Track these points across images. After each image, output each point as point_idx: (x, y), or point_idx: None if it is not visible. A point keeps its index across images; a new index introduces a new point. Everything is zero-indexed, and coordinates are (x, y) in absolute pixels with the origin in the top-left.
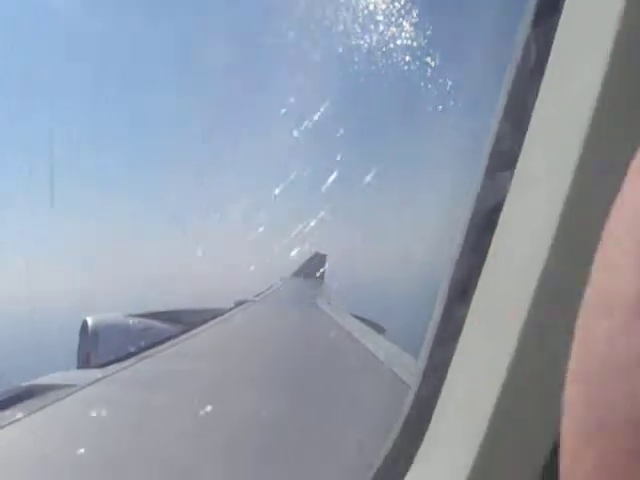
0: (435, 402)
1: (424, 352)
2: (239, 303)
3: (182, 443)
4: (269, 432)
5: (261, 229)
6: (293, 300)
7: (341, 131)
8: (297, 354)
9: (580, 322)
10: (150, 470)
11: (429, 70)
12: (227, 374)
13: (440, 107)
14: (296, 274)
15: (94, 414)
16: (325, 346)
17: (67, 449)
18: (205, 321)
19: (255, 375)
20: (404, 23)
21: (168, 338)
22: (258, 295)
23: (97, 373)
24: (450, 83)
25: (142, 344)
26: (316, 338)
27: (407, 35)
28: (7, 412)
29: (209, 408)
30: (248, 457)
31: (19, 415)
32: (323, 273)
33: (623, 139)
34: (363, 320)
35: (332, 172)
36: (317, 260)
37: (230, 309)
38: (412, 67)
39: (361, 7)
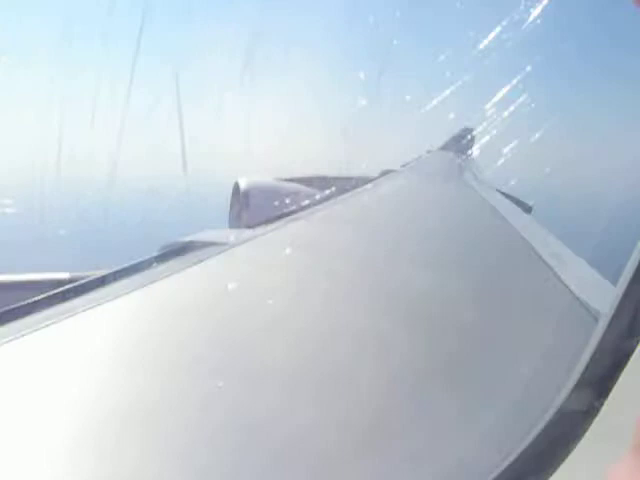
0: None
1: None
2: (385, 172)
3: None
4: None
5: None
6: (438, 172)
7: None
8: (439, 225)
9: None
10: (307, 323)
11: None
12: (370, 240)
13: None
14: (443, 148)
15: (245, 270)
16: (468, 219)
17: (216, 299)
18: (352, 188)
19: (398, 242)
20: None
21: (316, 202)
22: (404, 166)
23: (247, 233)
24: None
25: (291, 207)
26: (459, 209)
27: None
28: (165, 265)
29: (355, 269)
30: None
31: (175, 268)
32: (471, 147)
33: None
34: (509, 197)
35: None
36: (465, 134)
37: (376, 178)
38: None
39: None
